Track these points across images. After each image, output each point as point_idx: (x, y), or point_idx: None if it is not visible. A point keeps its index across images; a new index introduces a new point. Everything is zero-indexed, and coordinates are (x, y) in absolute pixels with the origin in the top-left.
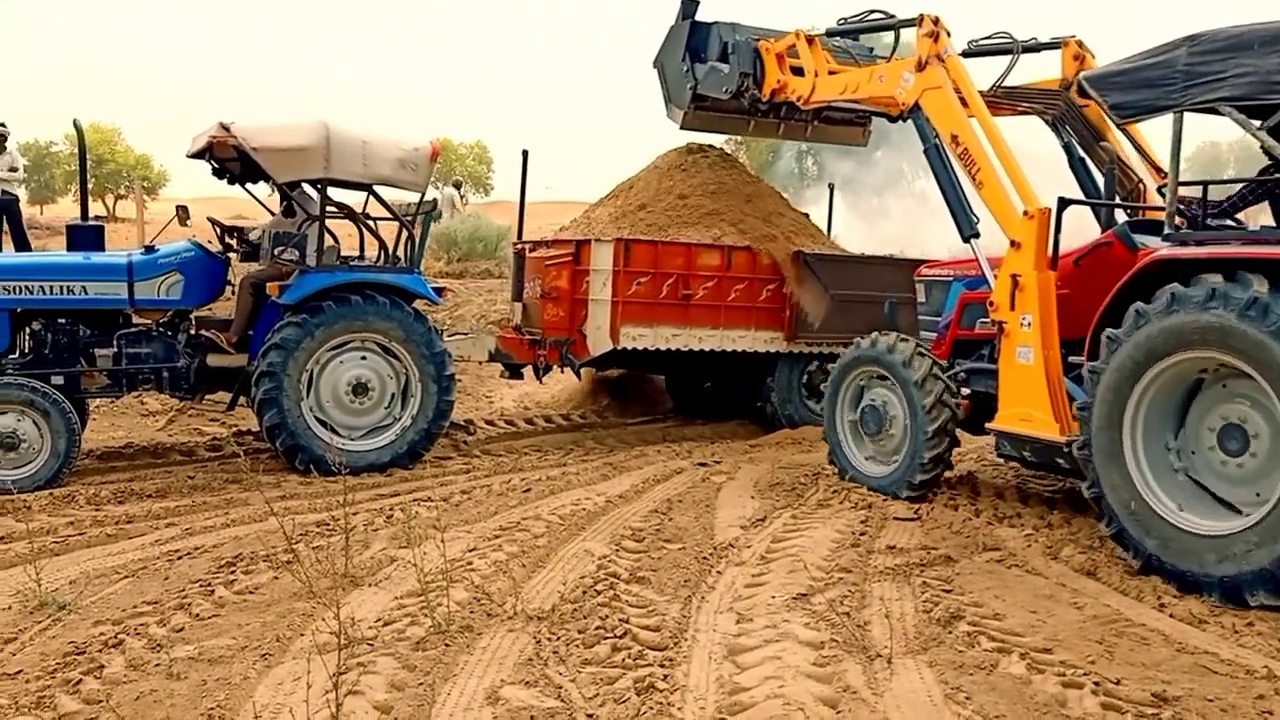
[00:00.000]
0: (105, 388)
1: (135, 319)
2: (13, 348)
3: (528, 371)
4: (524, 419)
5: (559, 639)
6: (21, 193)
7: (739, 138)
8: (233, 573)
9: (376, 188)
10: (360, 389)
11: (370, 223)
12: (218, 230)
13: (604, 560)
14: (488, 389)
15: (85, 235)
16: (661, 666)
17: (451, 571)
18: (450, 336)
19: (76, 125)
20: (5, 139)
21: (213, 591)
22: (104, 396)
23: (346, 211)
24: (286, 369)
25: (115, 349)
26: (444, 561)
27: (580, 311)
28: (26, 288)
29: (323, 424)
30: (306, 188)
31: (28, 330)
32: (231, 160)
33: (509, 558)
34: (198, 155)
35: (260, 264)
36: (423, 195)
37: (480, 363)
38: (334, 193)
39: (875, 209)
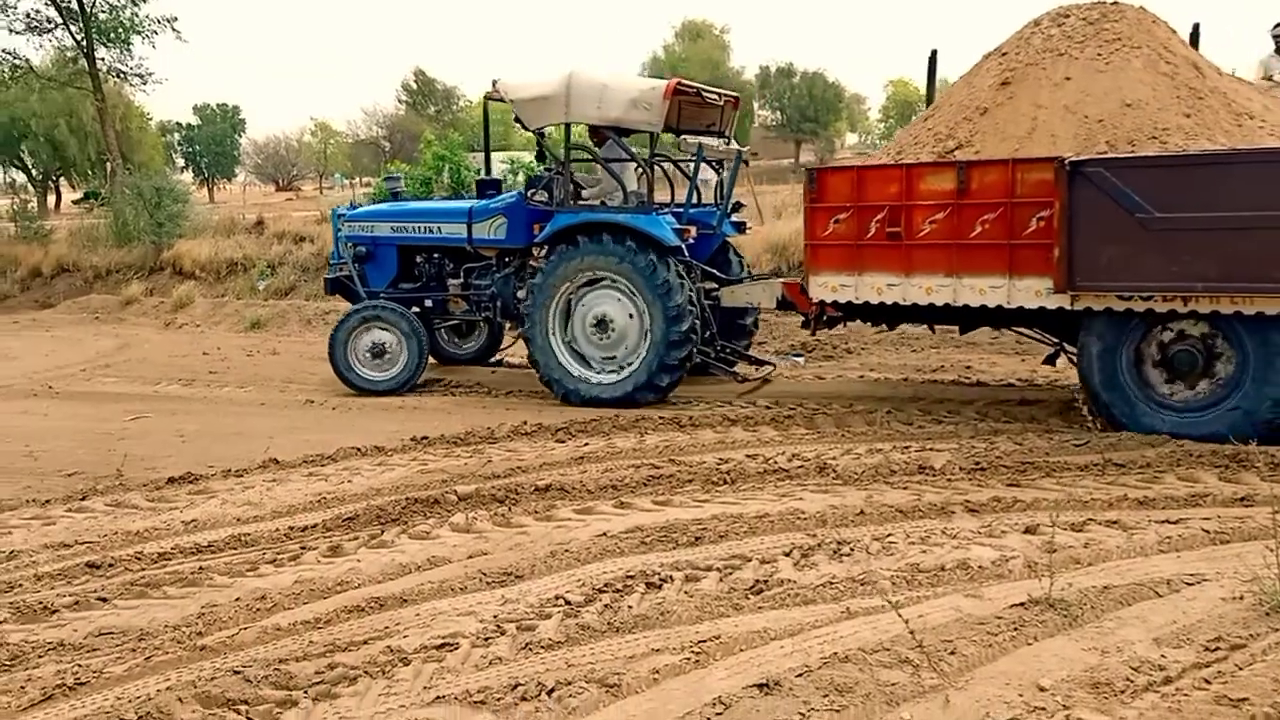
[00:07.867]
0: (465, 312)
1: (484, 256)
2: (409, 278)
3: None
4: None
5: None
6: None
7: None
8: None
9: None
10: (601, 325)
11: (655, 166)
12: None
13: None
14: None
15: (489, 186)
16: None
17: None
18: (752, 281)
19: (485, 96)
20: None
21: None
22: (467, 319)
23: (591, 155)
24: (537, 307)
25: (462, 280)
26: None
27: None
28: (404, 228)
29: (579, 357)
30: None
31: (417, 263)
32: None
33: None
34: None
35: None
36: (654, 133)
37: (771, 310)
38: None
39: None
